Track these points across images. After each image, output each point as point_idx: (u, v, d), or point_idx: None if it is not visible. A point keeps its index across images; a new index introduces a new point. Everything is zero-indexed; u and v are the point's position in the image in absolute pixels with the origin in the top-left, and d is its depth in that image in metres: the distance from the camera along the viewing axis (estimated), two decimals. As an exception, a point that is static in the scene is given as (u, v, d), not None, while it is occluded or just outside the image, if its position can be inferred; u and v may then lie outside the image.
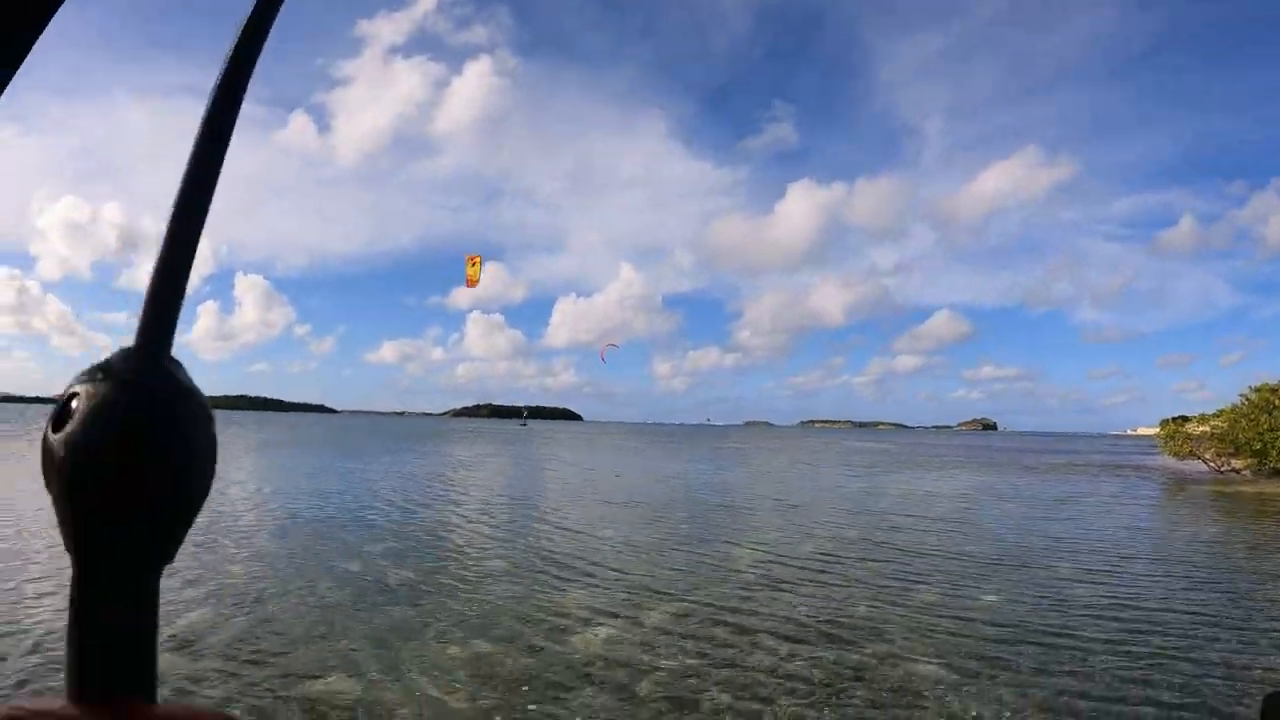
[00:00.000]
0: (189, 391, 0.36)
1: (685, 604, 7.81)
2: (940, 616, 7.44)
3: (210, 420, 0.37)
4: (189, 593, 7.80)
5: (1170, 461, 35.16)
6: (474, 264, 35.22)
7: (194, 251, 0.39)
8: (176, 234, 0.39)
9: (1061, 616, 7.46)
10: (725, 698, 5.36)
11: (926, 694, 5.42)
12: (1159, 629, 7.05)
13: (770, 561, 10.13)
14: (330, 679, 5.46)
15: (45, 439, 0.34)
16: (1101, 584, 8.99)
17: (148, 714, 0.32)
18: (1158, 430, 38.67)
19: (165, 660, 6.12)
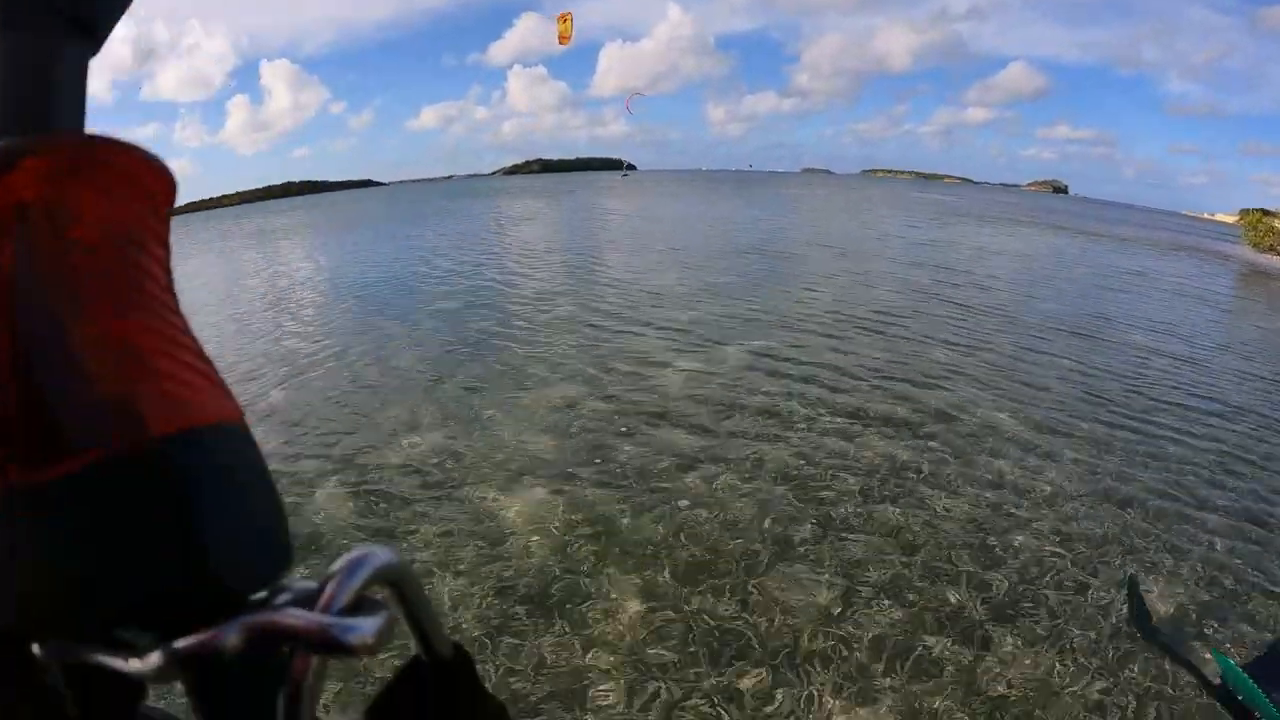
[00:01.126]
0: None
1: (752, 351, 8.15)
2: (1011, 379, 7.70)
3: None
4: (267, 374, 7.97)
5: (1248, 252, 33.37)
6: (565, 20, 32.06)
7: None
8: None
9: (1135, 395, 7.60)
10: (799, 436, 5.80)
11: (997, 449, 5.79)
12: (1232, 421, 7.05)
13: (829, 313, 10.30)
14: (418, 435, 5.79)
15: None
16: (1175, 365, 9.08)
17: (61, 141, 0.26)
18: (1235, 218, 36.05)
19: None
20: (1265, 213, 35.26)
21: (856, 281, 12.31)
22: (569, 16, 34.32)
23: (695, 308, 9.73)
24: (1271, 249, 31.06)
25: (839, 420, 5.96)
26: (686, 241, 17.78)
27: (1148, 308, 13.21)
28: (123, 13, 0.31)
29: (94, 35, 0.29)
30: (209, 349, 0.27)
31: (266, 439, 5.77)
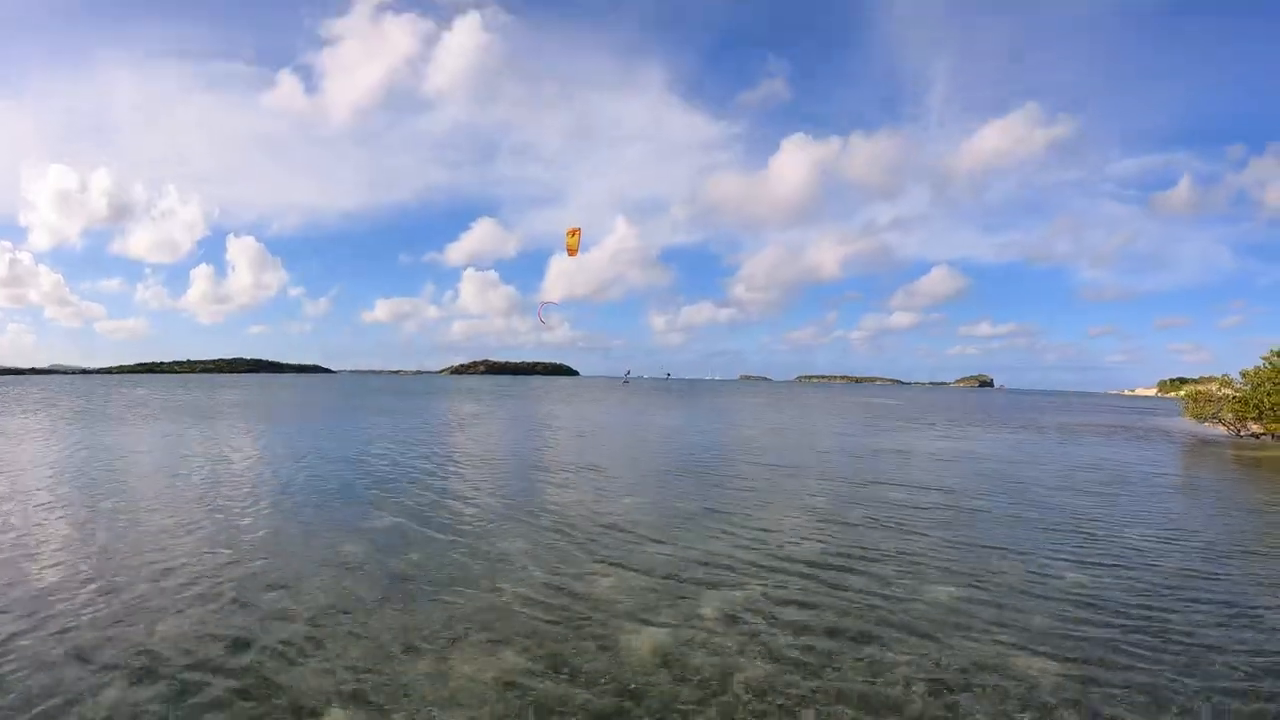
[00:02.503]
0: None
1: (728, 596, 6.62)
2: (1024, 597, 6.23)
3: None
4: (167, 583, 6.66)
5: (1189, 424, 34.39)
6: (574, 235, 34.73)
7: None
8: None
9: (1172, 616, 6.25)
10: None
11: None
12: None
13: (786, 543, 8.95)
14: (331, 713, 4.33)
15: None
16: (1187, 570, 7.82)
17: None
18: (1155, 390, 38.14)
19: (131, 661, 4.92)
20: (1182, 381, 37.15)
21: (811, 510, 11.08)
22: (578, 231, 36.44)
23: (648, 541, 8.19)
24: (1215, 417, 32.03)
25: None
26: (635, 455, 16.65)
27: (1127, 503, 12.26)
28: None
29: None
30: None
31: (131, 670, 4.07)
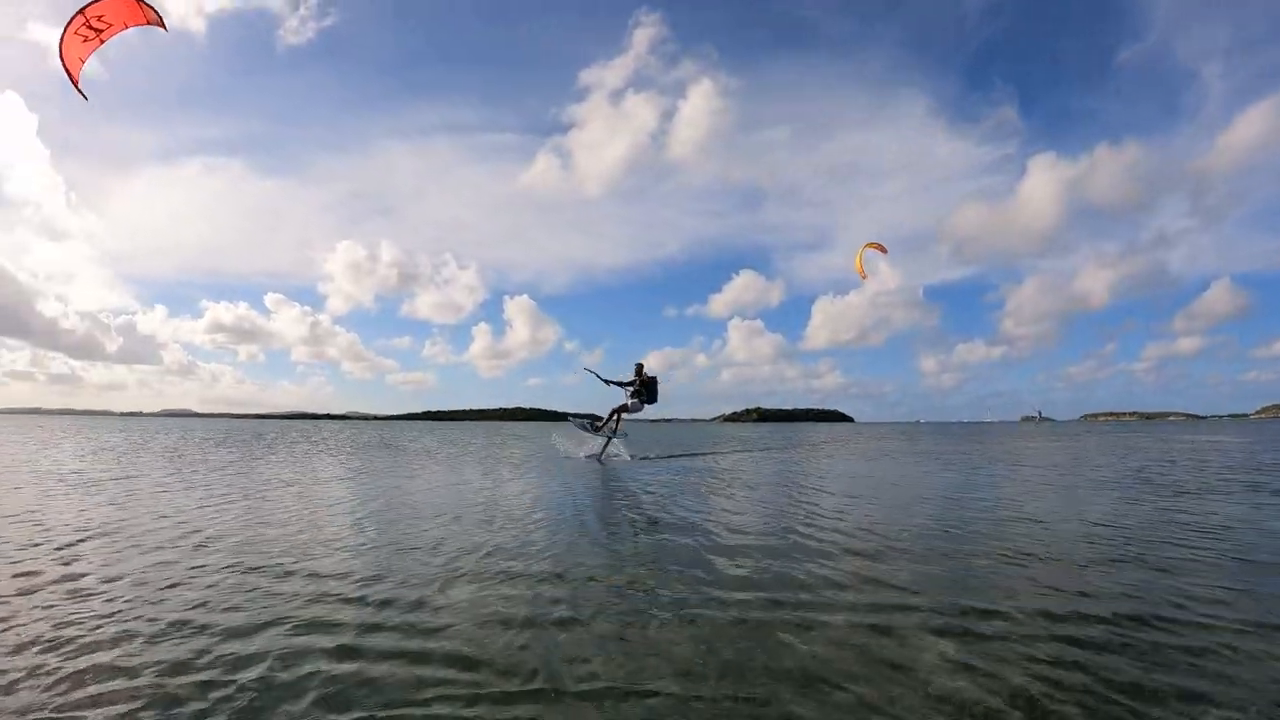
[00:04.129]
0: None
1: None
2: None
3: None
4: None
5: None
6: (861, 253, 33.10)
7: None
8: None
9: None
10: None
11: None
12: None
13: None
14: None
15: None
16: None
17: None
18: None
19: None
20: None
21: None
22: (877, 246, 33.62)
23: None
24: None
25: None
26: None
27: None
28: None
29: None
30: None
31: None
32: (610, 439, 19.69)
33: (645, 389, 18.61)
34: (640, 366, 19.15)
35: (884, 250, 35.00)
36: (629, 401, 18.84)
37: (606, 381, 19.17)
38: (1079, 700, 3.59)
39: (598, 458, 19.85)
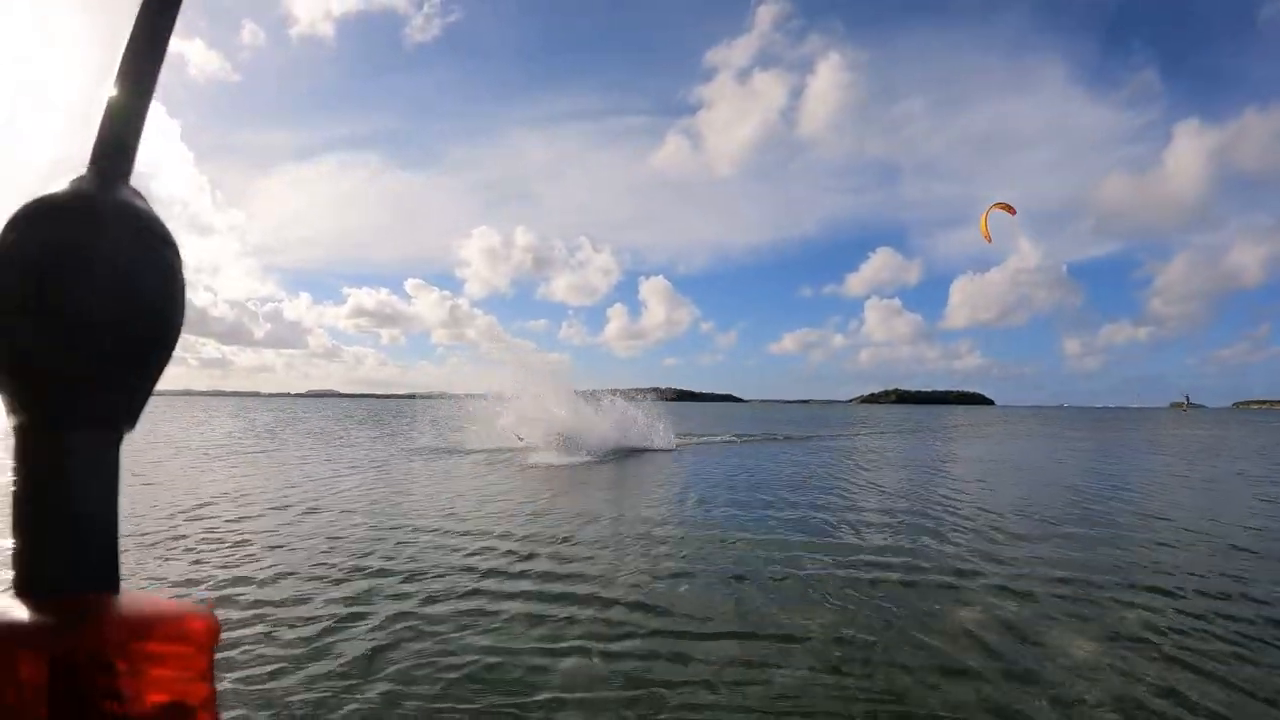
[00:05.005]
0: (147, 217, 0.29)
1: None
2: None
3: (176, 254, 0.30)
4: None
5: None
6: (989, 214, 31.28)
7: (158, 69, 0.32)
8: (140, 47, 0.32)
9: None
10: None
11: None
12: None
13: None
14: None
15: None
16: None
17: (113, 607, 0.27)
18: None
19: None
20: None
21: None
22: (1005, 206, 31.74)
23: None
24: None
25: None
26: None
27: None
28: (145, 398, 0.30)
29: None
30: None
31: None
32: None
33: None
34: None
35: (1012, 211, 31.81)
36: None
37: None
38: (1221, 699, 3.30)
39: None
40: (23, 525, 0.26)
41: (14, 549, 0.26)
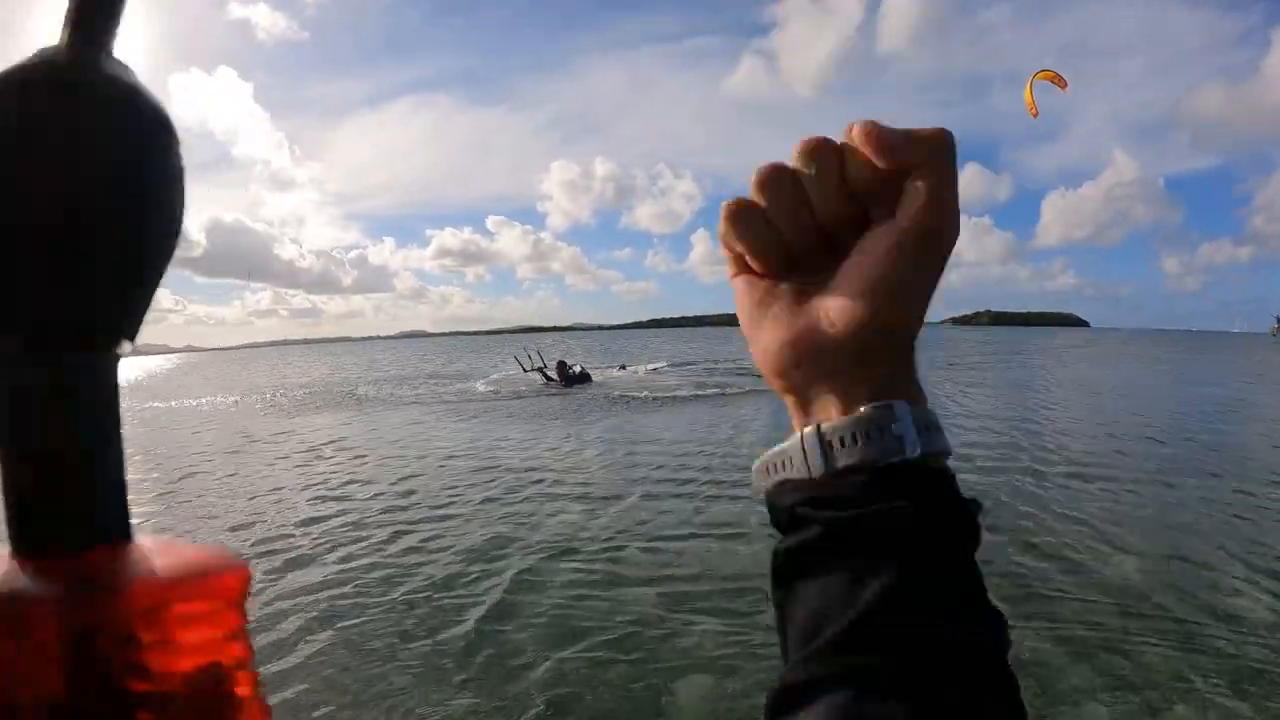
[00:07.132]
0: (132, 90, 0.23)
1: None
2: None
3: (172, 138, 0.23)
4: None
5: None
6: (1046, 78, 28.34)
7: None
8: None
9: None
10: None
11: None
12: None
13: None
14: None
15: None
16: None
17: (129, 563, 0.22)
18: None
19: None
20: None
21: None
22: (1049, 75, 28.65)
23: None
24: None
25: None
26: None
27: None
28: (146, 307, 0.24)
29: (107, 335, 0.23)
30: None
31: None
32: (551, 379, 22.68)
33: (566, 381, 21.46)
34: (562, 365, 22.25)
35: (1062, 84, 27.88)
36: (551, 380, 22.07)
37: (525, 369, 23.38)
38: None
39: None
40: (12, 470, 0.21)
41: (5, 500, 0.22)
